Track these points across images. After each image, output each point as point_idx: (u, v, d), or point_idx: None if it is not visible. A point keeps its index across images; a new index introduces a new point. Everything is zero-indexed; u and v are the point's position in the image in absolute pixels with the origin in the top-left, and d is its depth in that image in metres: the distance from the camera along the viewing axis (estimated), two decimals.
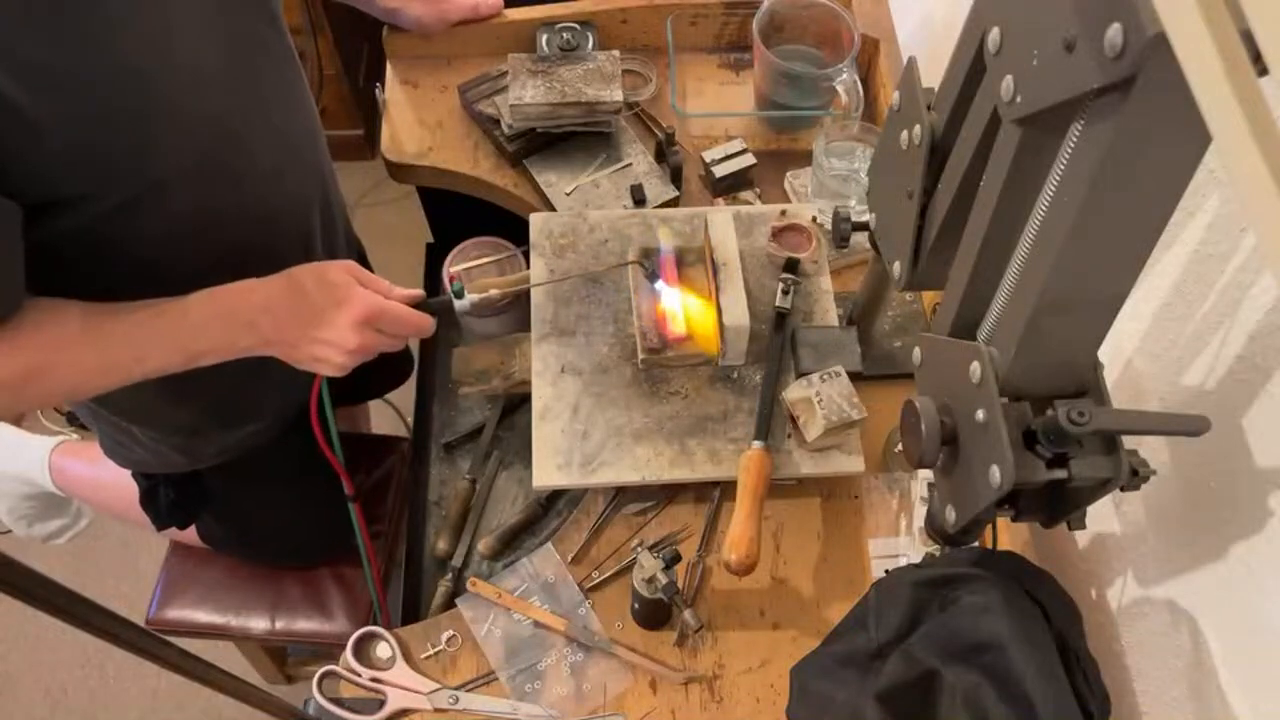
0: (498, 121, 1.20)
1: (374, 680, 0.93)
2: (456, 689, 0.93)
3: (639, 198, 1.16)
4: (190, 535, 1.33)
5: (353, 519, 1.05)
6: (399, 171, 1.24)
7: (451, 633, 0.96)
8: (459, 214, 1.29)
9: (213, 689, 0.83)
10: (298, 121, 1.00)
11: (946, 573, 0.74)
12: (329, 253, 1.11)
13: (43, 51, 0.71)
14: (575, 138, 1.21)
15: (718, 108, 1.29)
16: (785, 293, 1.04)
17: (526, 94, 1.15)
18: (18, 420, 1.85)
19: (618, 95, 1.16)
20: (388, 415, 1.73)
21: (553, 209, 1.16)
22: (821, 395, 0.94)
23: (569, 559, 1.00)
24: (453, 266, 1.18)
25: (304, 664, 1.69)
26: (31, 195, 0.75)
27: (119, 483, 1.29)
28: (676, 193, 1.18)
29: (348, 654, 0.94)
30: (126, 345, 0.83)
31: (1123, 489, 0.62)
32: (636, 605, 0.94)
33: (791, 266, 1.06)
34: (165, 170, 0.83)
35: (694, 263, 1.04)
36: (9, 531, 1.57)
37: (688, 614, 0.90)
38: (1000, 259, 0.61)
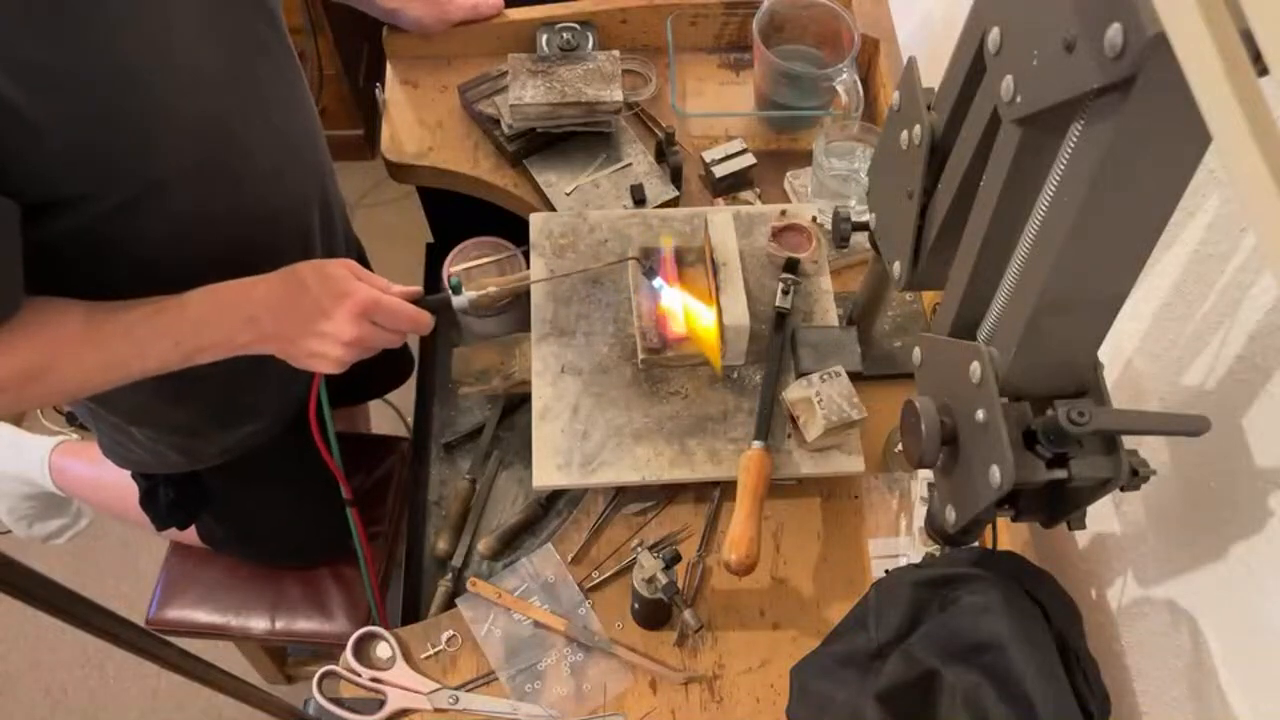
0: (498, 121, 1.20)
1: (374, 680, 0.93)
2: (456, 689, 0.93)
3: (639, 198, 1.16)
4: (190, 535, 1.33)
5: (350, 524, 1.05)
6: (399, 171, 1.24)
7: (451, 633, 0.96)
8: (459, 214, 1.29)
9: (213, 689, 0.83)
10: (297, 121, 1.00)
11: (946, 573, 0.74)
12: (328, 252, 1.11)
13: (43, 52, 0.71)
14: (575, 138, 1.21)
15: (718, 108, 1.29)
16: (785, 293, 1.04)
17: (526, 94, 1.15)
18: (18, 420, 1.85)
19: (618, 95, 1.16)
20: (388, 415, 1.73)
21: (553, 209, 1.16)
22: (821, 395, 0.94)
23: (569, 559, 1.00)
24: (453, 266, 1.18)
25: (304, 664, 1.69)
26: (31, 195, 0.75)
27: (119, 483, 1.29)
28: (676, 193, 1.18)
29: (348, 654, 0.94)
30: (126, 343, 0.84)
31: (1123, 489, 0.62)
32: (636, 605, 0.94)
33: (791, 266, 1.06)
34: (165, 170, 0.84)
35: (694, 263, 1.04)
36: (9, 531, 1.57)
37: (688, 614, 0.90)
38: (1000, 259, 0.61)
